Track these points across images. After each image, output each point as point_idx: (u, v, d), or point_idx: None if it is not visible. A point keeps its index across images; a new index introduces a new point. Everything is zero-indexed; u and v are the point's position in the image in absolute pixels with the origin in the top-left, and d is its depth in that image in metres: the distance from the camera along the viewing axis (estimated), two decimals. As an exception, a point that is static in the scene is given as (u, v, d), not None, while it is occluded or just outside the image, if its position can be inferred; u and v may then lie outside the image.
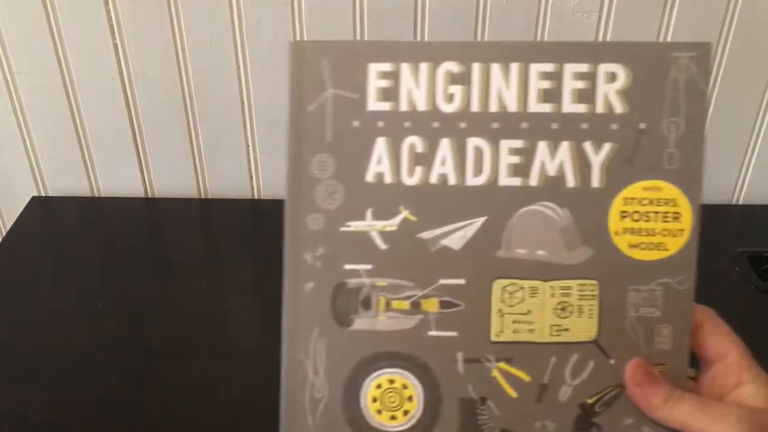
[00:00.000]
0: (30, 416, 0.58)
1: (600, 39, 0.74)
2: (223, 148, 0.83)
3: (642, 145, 0.39)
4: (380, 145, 0.40)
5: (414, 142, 0.40)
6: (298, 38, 0.74)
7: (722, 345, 0.39)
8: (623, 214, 0.39)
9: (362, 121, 0.40)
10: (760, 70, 0.77)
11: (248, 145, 0.82)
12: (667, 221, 0.40)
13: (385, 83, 0.40)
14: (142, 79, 0.78)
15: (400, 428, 0.40)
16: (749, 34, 0.74)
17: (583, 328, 0.39)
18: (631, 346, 0.39)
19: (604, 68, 0.39)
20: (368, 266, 0.40)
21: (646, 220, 0.39)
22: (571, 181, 0.39)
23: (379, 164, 0.40)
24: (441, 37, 0.74)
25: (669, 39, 0.74)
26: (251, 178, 0.85)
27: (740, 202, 0.86)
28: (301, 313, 0.40)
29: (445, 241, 0.40)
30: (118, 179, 0.85)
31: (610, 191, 0.39)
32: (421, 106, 0.40)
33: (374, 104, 0.40)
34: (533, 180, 0.39)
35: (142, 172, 0.85)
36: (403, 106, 0.40)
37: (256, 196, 0.86)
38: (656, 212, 0.39)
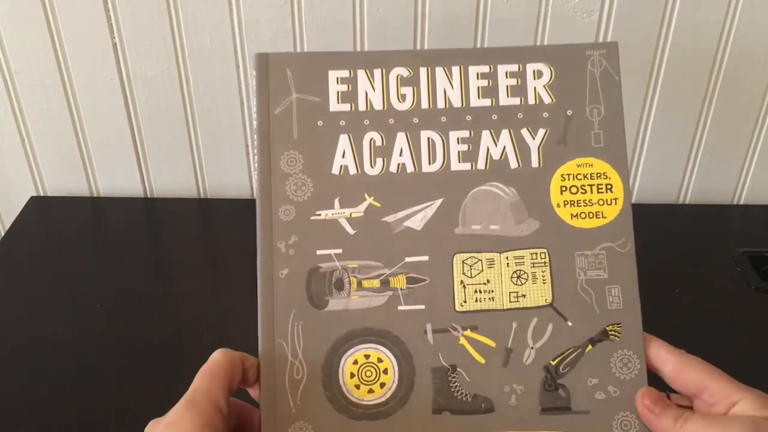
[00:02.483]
0: (29, 416, 0.58)
1: (601, 38, 0.74)
2: (223, 148, 0.82)
3: (571, 128, 0.44)
4: (343, 141, 0.44)
5: (373, 137, 0.45)
6: (297, 37, 0.74)
7: (697, 379, 0.40)
8: (562, 189, 0.44)
9: (325, 121, 0.45)
10: (761, 70, 0.77)
11: (248, 145, 0.82)
12: (601, 192, 0.44)
13: (344, 87, 0.45)
14: (141, 79, 0.78)
15: (378, 400, 0.42)
16: (750, 33, 0.74)
17: (539, 293, 0.43)
18: (585, 308, 0.43)
19: (531, 67, 0.45)
20: (339, 250, 0.43)
21: (583, 193, 0.44)
22: (513, 163, 0.44)
23: (343, 158, 0.44)
24: (441, 35, 0.74)
25: (671, 37, 0.74)
26: (251, 178, 0.85)
27: (741, 202, 0.86)
28: (277, 299, 0.43)
29: (407, 223, 0.44)
30: (117, 179, 0.85)
31: (548, 169, 0.44)
32: (378, 105, 0.45)
33: (335, 106, 0.45)
34: (481, 164, 0.44)
35: (141, 172, 0.84)
36: (362, 107, 0.45)
37: (255, 196, 0.86)
38: (591, 185, 0.44)
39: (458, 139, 0.45)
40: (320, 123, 0.45)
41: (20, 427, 0.57)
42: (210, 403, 0.37)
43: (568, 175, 0.44)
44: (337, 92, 0.45)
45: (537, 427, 0.42)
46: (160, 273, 0.74)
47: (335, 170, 0.44)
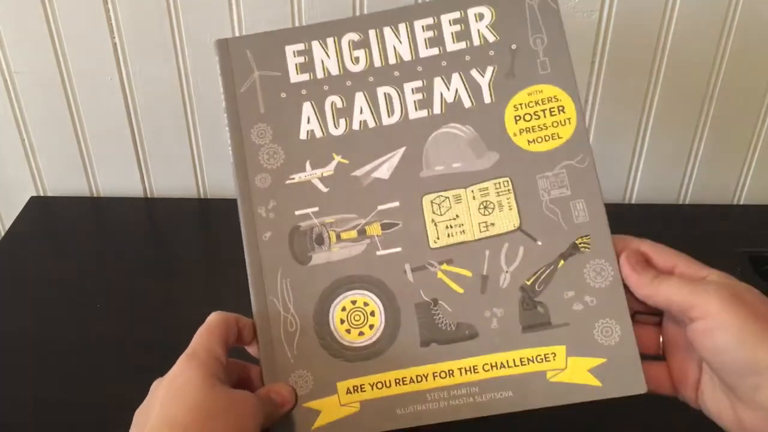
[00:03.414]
0: (29, 416, 0.58)
1: (601, 38, 0.74)
2: (223, 147, 0.82)
3: (517, 61, 0.47)
4: (307, 108, 0.48)
5: (334, 100, 0.48)
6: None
7: (667, 259, 0.42)
8: (516, 118, 0.46)
9: (288, 92, 0.48)
10: (761, 71, 0.77)
11: (248, 145, 0.82)
12: (554, 115, 0.46)
13: (300, 59, 0.48)
14: (141, 79, 0.78)
15: (369, 341, 0.45)
16: (750, 33, 0.74)
17: (507, 219, 0.45)
18: (552, 226, 0.45)
19: (472, 11, 0.47)
20: (315, 208, 0.46)
21: (537, 118, 0.46)
22: (467, 103, 0.47)
23: (308, 123, 0.47)
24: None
25: (670, 39, 0.74)
26: (251, 178, 0.85)
27: (741, 202, 0.86)
28: (264, 260, 0.45)
29: (375, 174, 0.47)
30: (117, 179, 0.85)
31: (501, 102, 0.46)
32: (334, 71, 0.48)
33: (295, 77, 0.48)
34: (437, 109, 0.47)
35: (141, 171, 0.84)
36: (320, 74, 0.48)
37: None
38: (543, 110, 0.46)
39: (412, 89, 0.47)
40: (283, 95, 0.48)
41: (20, 427, 0.57)
42: (210, 355, 0.40)
43: (521, 104, 0.46)
44: (296, 64, 0.48)
45: (521, 345, 0.44)
46: (160, 273, 0.74)
47: (303, 136, 0.47)
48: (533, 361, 0.43)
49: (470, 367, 0.44)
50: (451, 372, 0.44)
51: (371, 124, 0.47)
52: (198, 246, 0.80)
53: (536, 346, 0.43)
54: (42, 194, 0.86)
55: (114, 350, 0.64)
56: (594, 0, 0.72)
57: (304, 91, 0.48)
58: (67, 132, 0.81)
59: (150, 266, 0.75)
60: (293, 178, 0.46)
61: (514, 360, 0.43)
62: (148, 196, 0.86)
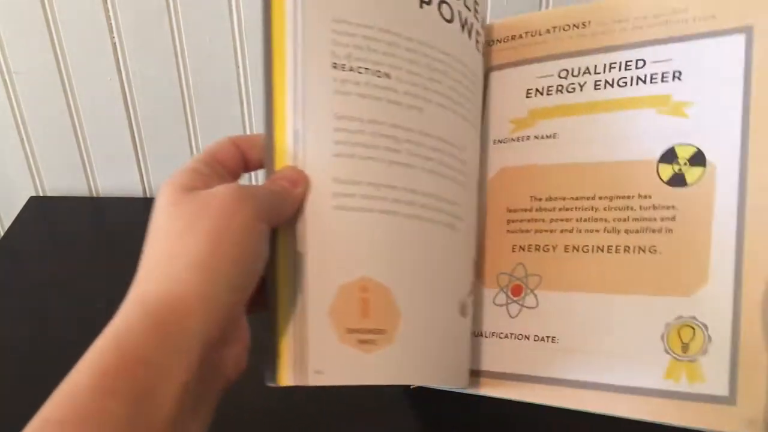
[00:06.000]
0: (28, 417, 0.58)
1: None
2: (223, 148, 0.82)
3: None
4: None
5: None
6: (297, 38, 0.74)
7: None
8: None
9: None
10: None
11: (248, 145, 0.82)
12: None
13: None
14: (141, 79, 0.78)
15: None
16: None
17: None
18: None
19: None
20: None
21: None
22: None
23: None
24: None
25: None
26: (251, 178, 0.85)
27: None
28: None
29: None
30: (116, 179, 0.85)
31: None
32: None
33: None
34: None
35: (140, 171, 0.84)
36: None
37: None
38: None
39: None
40: None
41: (20, 428, 0.57)
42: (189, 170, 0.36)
43: None
44: None
45: None
46: (160, 273, 0.74)
47: None
48: None
49: None
50: None
51: None
52: (198, 246, 0.79)
53: None
54: (42, 194, 0.86)
55: (114, 350, 0.64)
56: (594, 0, 0.72)
57: None
58: (67, 132, 0.81)
59: (150, 266, 0.75)
60: None
61: None
62: (148, 196, 0.86)
